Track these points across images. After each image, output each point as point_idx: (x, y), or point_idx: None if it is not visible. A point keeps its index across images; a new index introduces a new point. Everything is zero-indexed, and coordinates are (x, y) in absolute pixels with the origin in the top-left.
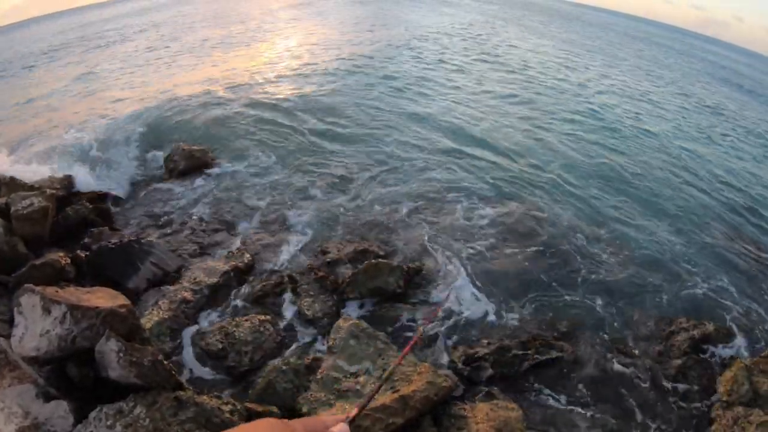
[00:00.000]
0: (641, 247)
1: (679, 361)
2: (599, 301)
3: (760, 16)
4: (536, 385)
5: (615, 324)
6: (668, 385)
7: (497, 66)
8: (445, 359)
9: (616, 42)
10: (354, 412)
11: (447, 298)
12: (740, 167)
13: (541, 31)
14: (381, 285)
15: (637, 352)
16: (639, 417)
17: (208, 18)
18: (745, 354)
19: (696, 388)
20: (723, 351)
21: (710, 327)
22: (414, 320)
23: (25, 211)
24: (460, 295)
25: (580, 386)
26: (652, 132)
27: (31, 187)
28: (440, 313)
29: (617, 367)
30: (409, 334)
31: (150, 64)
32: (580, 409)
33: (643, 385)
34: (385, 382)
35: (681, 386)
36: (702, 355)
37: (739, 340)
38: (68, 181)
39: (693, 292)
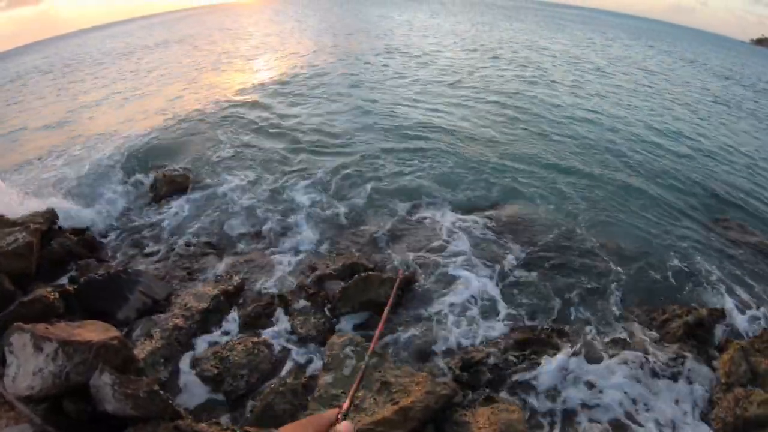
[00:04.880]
0: (625, 237)
1: (675, 347)
2: (591, 296)
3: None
4: (535, 385)
5: (608, 317)
6: (667, 372)
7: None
8: (442, 367)
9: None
10: (346, 404)
11: (402, 273)
12: (720, 149)
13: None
14: (373, 297)
15: (632, 342)
16: (639, 408)
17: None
18: (741, 335)
19: (694, 373)
20: (718, 334)
21: (703, 311)
22: (405, 329)
23: (9, 248)
24: (455, 299)
25: (580, 382)
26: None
27: (13, 223)
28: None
29: (614, 360)
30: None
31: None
32: (580, 406)
33: (641, 375)
34: (365, 370)
35: (679, 373)
36: (698, 340)
37: (734, 322)
38: (51, 214)
39: (684, 279)
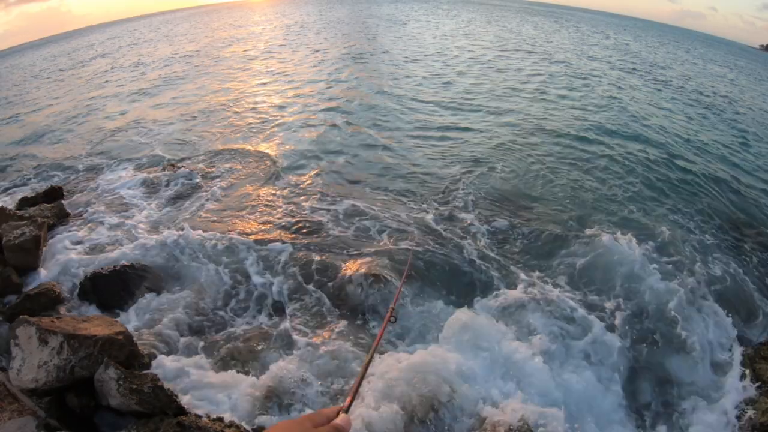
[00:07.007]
0: (635, 236)
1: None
2: (597, 298)
3: (734, 4)
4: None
5: (617, 318)
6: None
7: None
8: None
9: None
10: (348, 400)
11: (406, 274)
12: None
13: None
14: None
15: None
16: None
17: None
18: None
19: None
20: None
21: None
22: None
23: (17, 241)
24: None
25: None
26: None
27: (21, 217)
28: (403, 290)
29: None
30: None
31: None
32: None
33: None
34: (367, 367)
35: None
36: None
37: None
38: (59, 208)
39: (687, 282)
